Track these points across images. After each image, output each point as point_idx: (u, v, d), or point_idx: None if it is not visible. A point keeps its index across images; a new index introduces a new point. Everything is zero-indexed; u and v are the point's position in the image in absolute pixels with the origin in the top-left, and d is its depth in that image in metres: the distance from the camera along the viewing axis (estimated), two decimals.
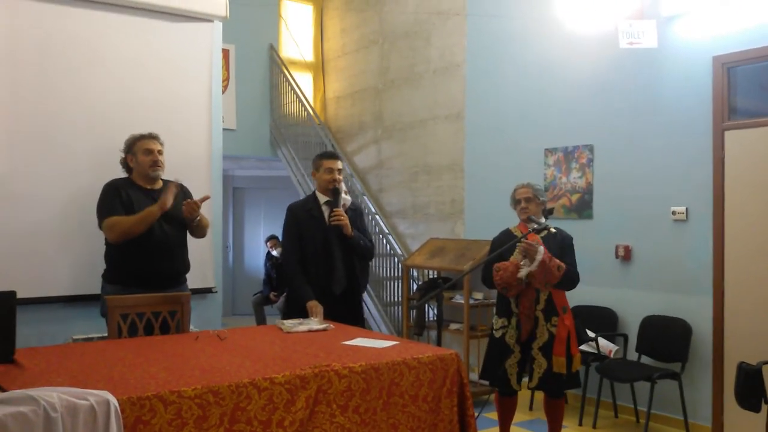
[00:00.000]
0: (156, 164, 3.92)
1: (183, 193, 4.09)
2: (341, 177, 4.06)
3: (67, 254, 4.36)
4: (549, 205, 4.82)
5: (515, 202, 4.09)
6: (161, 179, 4.01)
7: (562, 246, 4.00)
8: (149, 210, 3.75)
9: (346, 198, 4.10)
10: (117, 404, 2.03)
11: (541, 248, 3.78)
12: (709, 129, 4.67)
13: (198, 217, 3.88)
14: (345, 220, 3.93)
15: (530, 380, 3.99)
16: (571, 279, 3.91)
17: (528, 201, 4.01)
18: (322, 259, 3.96)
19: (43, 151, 4.31)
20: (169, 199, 3.76)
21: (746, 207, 4.50)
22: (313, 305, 3.82)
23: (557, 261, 3.83)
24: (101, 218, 3.79)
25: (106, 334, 3.56)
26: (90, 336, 4.19)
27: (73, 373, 2.42)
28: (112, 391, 2.08)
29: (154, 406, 2.12)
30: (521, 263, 3.83)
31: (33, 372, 2.44)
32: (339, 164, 4.06)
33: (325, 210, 4.02)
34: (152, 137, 3.96)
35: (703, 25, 4.71)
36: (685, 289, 4.81)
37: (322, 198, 4.06)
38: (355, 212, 4.17)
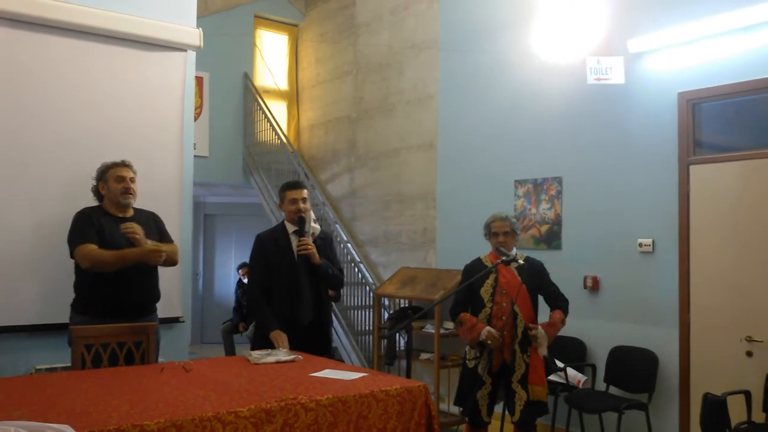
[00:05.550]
0: (128, 192, 3.88)
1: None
2: (307, 206, 4.02)
3: (34, 282, 4.27)
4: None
5: (492, 234, 4.12)
6: (133, 207, 3.98)
7: (539, 273, 4.14)
8: (125, 254, 3.70)
9: (314, 226, 4.07)
10: None
11: (542, 332, 3.97)
12: (674, 163, 4.77)
13: (163, 258, 3.84)
14: (312, 248, 3.92)
15: (512, 414, 4.01)
16: (567, 310, 4.18)
17: (506, 235, 4.08)
18: (289, 290, 3.92)
19: (12, 178, 4.25)
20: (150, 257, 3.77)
21: (711, 240, 4.59)
22: (276, 335, 3.78)
23: (559, 319, 4.05)
24: (73, 245, 3.73)
25: (69, 364, 3.50)
26: (53, 366, 4.12)
27: (34, 406, 2.37)
28: (73, 425, 2.05)
29: None
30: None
31: None
32: (303, 193, 4.02)
33: (293, 239, 3.98)
34: (125, 165, 3.94)
35: (668, 62, 4.84)
36: (652, 320, 4.87)
37: (291, 227, 4.02)
38: (324, 240, 4.14)
